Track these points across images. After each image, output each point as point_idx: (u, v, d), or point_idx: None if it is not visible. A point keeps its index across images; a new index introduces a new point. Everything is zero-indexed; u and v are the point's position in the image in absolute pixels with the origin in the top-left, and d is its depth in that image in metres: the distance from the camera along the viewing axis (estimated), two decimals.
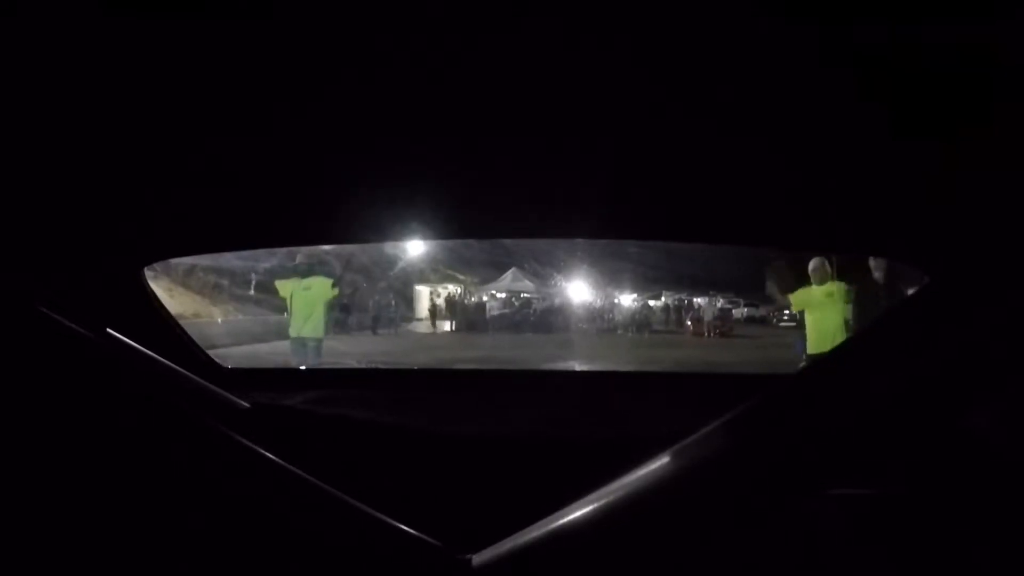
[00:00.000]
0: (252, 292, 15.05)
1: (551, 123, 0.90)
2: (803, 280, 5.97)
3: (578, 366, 11.24)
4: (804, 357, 5.88)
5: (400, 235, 1.44)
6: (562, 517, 0.73)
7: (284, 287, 7.40)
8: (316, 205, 1.21)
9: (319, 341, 7.21)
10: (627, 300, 20.41)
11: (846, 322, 5.70)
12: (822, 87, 0.79)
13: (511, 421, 1.41)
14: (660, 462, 0.72)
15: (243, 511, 0.68)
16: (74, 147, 0.95)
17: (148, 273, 1.48)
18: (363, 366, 8.33)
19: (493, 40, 0.74)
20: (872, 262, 4.90)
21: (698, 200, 1.16)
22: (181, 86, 0.81)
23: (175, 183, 1.08)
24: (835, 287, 5.84)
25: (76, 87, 0.81)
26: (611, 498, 0.71)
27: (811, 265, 5.83)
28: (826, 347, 5.48)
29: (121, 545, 0.66)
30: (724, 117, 0.87)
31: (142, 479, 0.65)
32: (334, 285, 7.60)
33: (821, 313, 5.77)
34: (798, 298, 6.02)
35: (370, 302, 16.92)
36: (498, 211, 1.26)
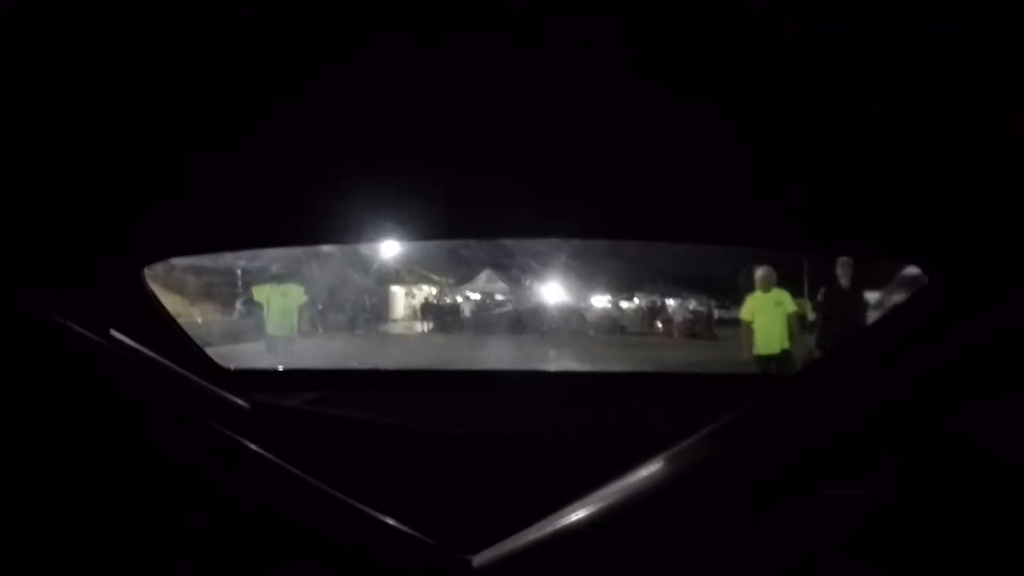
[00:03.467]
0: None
1: (540, 123, 0.90)
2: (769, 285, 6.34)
3: (553, 366, 11.39)
4: (753, 357, 6.31)
5: (400, 235, 1.44)
6: (562, 517, 0.73)
7: (261, 292, 8.87)
8: (316, 205, 1.21)
9: (292, 339, 8.74)
10: (600, 302, 20.43)
11: (790, 327, 6.17)
12: (822, 87, 0.79)
13: (510, 421, 1.41)
14: (659, 463, 0.72)
15: (243, 511, 0.68)
16: (74, 147, 0.95)
17: (148, 273, 1.47)
18: (363, 366, 8.42)
19: (482, 41, 0.74)
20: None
21: (693, 200, 1.16)
22: (181, 86, 0.81)
23: (175, 183, 1.08)
24: (781, 294, 6.28)
25: (76, 87, 0.81)
26: (611, 499, 0.71)
27: (758, 273, 6.27)
28: (773, 349, 6.08)
29: (122, 545, 0.66)
30: (722, 117, 0.87)
31: (143, 479, 0.66)
32: (306, 291, 9.10)
33: (769, 317, 6.19)
34: (747, 306, 6.46)
35: (347, 303, 17.03)
36: (486, 212, 1.26)
